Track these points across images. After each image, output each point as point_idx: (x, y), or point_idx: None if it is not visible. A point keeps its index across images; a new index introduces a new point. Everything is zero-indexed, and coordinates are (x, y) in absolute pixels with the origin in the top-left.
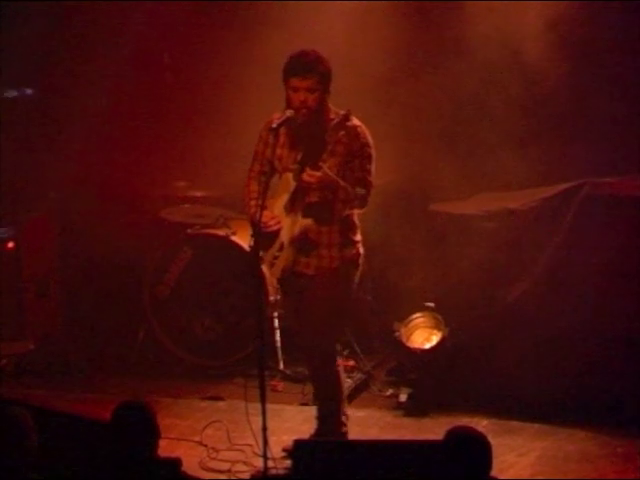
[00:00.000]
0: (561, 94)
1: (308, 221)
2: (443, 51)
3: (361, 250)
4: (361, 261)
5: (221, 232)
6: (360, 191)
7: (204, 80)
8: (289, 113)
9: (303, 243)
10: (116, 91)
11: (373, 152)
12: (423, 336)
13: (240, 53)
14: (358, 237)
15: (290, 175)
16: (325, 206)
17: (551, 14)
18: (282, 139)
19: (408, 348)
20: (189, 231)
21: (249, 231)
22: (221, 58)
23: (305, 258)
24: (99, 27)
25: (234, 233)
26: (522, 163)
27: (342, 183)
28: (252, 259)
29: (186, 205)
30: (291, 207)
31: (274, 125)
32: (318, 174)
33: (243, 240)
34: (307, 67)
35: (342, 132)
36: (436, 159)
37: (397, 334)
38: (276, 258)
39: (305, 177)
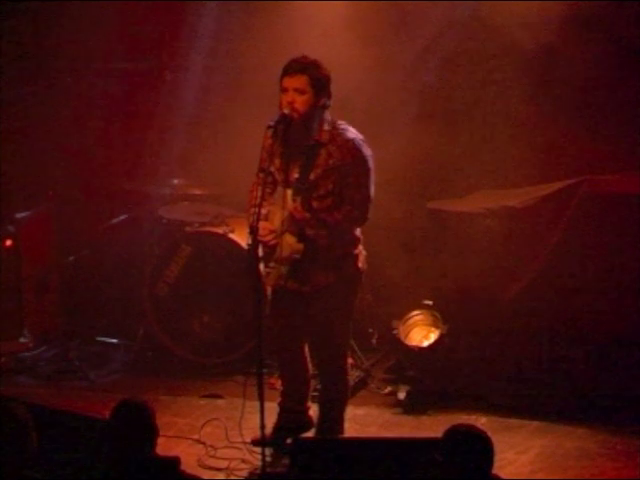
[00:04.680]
0: (560, 90)
1: (300, 246)
2: (443, 49)
3: (361, 264)
4: (363, 276)
5: (220, 230)
6: (355, 213)
7: (204, 78)
8: (286, 111)
9: (296, 264)
10: (116, 89)
11: (370, 164)
12: (421, 334)
13: (242, 52)
14: (358, 250)
15: (288, 192)
16: (320, 230)
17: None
18: (279, 148)
19: (406, 346)
20: (188, 229)
21: (247, 230)
22: (222, 56)
23: (300, 276)
24: (100, 25)
25: (232, 231)
26: (521, 160)
27: (330, 219)
28: (250, 257)
29: (185, 203)
30: (287, 227)
31: (271, 123)
32: (305, 215)
33: (241, 238)
34: (297, 67)
35: (334, 147)
36: (435, 156)
37: (395, 332)
38: (272, 268)
39: (293, 211)
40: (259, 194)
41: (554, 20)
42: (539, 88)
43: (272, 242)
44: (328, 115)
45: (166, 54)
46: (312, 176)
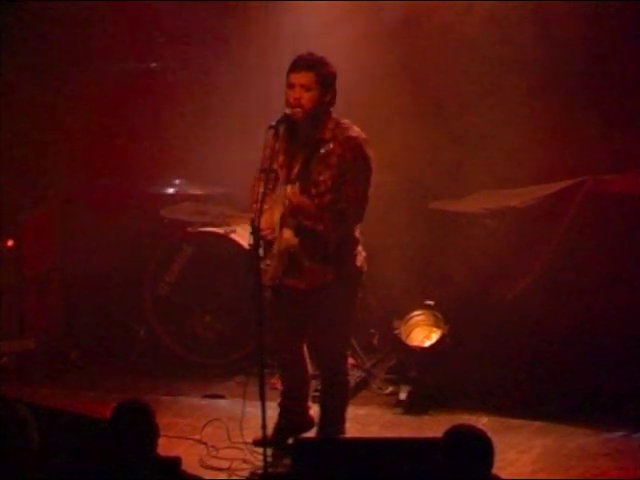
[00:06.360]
0: (564, 89)
1: (295, 240)
2: (444, 47)
3: (360, 263)
4: (364, 277)
5: (221, 230)
6: (349, 210)
7: (205, 78)
8: (288, 111)
9: (291, 258)
10: (117, 89)
11: (370, 164)
12: (423, 334)
13: (243, 51)
14: (357, 250)
15: (288, 188)
16: (316, 223)
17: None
18: (282, 146)
19: (408, 346)
20: (189, 229)
21: (249, 229)
22: (222, 56)
23: (297, 273)
24: (100, 25)
25: (234, 231)
26: (522, 160)
27: (324, 213)
28: (251, 257)
29: (186, 203)
30: (286, 221)
31: (273, 123)
32: (299, 198)
33: (243, 238)
34: (304, 63)
35: (335, 143)
36: (436, 156)
37: (397, 332)
38: (269, 265)
39: (290, 195)
40: (260, 192)
41: (560, 15)
42: (543, 87)
43: (270, 236)
44: (333, 113)
45: (168, 54)
46: (313, 172)
